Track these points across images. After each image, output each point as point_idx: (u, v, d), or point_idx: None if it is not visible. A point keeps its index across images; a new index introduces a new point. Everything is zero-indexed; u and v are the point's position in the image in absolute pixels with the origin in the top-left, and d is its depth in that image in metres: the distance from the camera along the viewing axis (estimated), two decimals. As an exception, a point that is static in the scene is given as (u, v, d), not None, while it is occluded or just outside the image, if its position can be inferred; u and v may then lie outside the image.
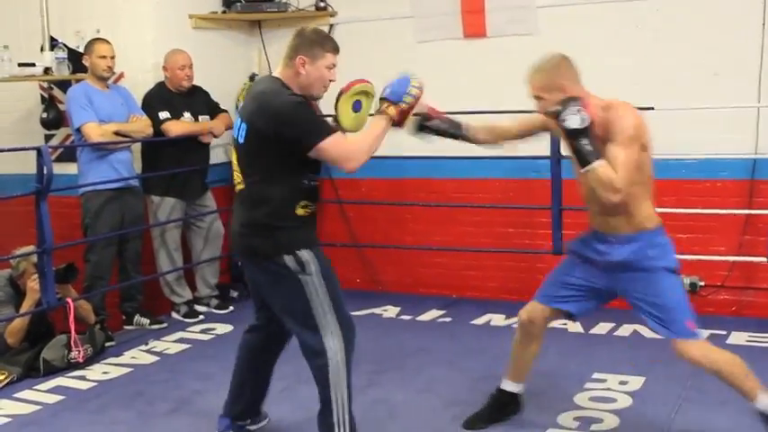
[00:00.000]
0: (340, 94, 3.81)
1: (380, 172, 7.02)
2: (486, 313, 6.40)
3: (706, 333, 3.76)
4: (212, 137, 6.58)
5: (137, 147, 6.43)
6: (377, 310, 6.57)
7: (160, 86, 6.50)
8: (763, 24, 6.00)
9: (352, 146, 3.67)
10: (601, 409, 4.48)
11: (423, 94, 3.82)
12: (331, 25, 7.34)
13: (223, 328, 6.24)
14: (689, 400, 4.55)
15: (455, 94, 6.73)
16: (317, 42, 3.72)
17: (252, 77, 7.43)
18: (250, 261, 3.81)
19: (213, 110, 6.67)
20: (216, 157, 6.93)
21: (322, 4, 7.32)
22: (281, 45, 7.36)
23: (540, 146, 6.00)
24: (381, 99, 3.78)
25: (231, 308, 6.74)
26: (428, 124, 4.14)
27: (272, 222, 3.67)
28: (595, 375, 4.93)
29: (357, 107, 3.84)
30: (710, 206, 6.09)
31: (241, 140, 3.70)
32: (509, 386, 4.28)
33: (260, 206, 3.68)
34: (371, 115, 3.83)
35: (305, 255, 3.69)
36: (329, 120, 3.85)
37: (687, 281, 6.28)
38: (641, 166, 3.67)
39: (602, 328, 5.94)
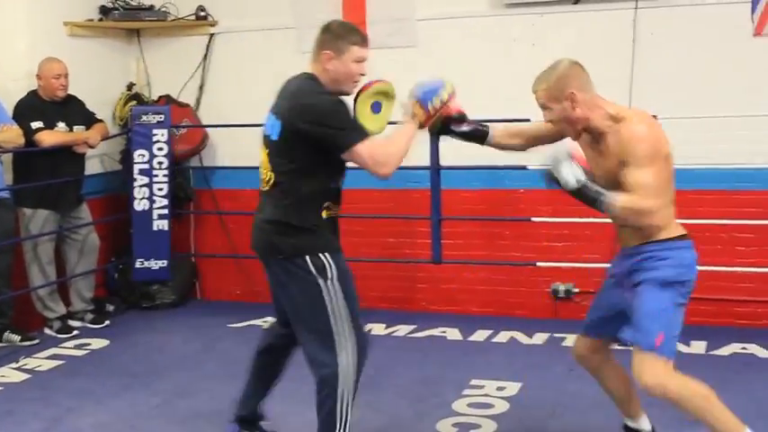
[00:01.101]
0: (358, 94, 3.68)
1: (257, 183, 6.99)
2: (366, 323, 6.40)
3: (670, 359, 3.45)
4: (87, 147, 6.41)
5: (7, 157, 6.22)
6: (257, 322, 6.50)
7: (33, 95, 6.30)
8: (633, 41, 6.21)
9: (385, 150, 3.52)
10: (479, 414, 4.55)
11: (454, 99, 3.71)
12: (211, 35, 7.29)
13: (98, 343, 6.08)
14: (564, 405, 4.66)
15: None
16: (341, 36, 3.60)
17: (129, 87, 7.30)
18: (269, 259, 3.69)
19: (89, 120, 6.51)
20: (91, 167, 6.77)
21: (202, 14, 7.24)
22: (160, 54, 7.46)
23: (419, 156, 6.12)
24: (412, 102, 3.66)
25: (107, 322, 6.57)
26: (455, 128, 3.89)
27: (295, 222, 3.57)
28: (473, 382, 5.01)
29: (376, 108, 3.71)
30: (583, 215, 6.24)
31: (274, 137, 3.59)
32: (630, 423, 3.94)
33: (286, 204, 3.58)
34: (392, 123, 3.77)
35: (325, 258, 3.58)
36: None
37: (562, 288, 6.46)
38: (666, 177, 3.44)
39: (480, 335, 6.04)
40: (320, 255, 3.57)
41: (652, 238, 3.46)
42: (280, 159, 3.60)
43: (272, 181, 3.64)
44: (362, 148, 3.45)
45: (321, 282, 3.56)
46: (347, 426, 3.61)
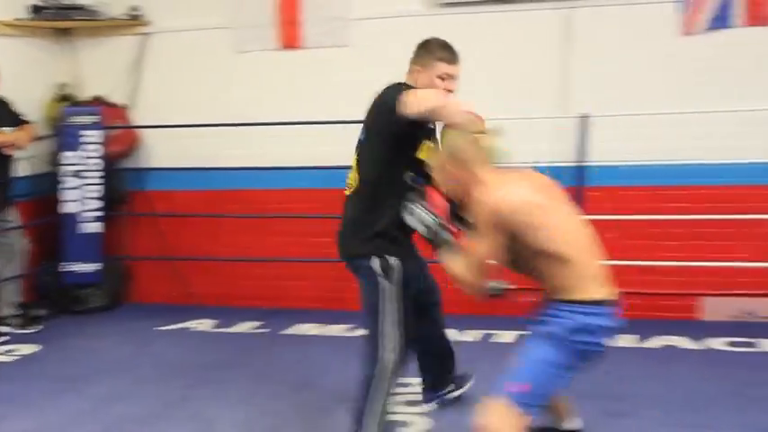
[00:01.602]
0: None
1: (197, 184, 6.96)
2: (301, 323, 6.41)
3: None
4: (15, 149, 6.29)
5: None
6: (191, 324, 6.46)
7: (-41, 96, 6.18)
8: (566, 40, 6.29)
9: (422, 95, 3.56)
10: (412, 412, 4.55)
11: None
12: (145, 35, 7.21)
13: (28, 349, 5.96)
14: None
15: (272, 103, 6.79)
16: (430, 51, 3.79)
17: (61, 87, 7.19)
18: (348, 262, 3.86)
19: (17, 121, 6.37)
20: (21, 169, 6.64)
21: (135, 14, 7.16)
22: (92, 54, 7.36)
23: (350, 155, 6.13)
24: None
25: (38, 327, 6.44)
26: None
27: (371, 223, 3.71)
28: (408, 380, 4.98)
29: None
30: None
31: (362, 141, 3.79)
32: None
33: (365, 206, 3.74)
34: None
35: (392, 261, 3.71)
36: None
37: (497, 284, 6.48)
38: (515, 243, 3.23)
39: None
40: (389, 257, 3.71)
41: (555, 296, 3.25)
42: (363, 161, 3.78)
43: (354, 185, 3.80)
44: (405, 96, 3.51)
45: (382, 283, 3.71)
46: (384, 422, 3.74)
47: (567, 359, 3.22)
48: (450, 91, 3.77)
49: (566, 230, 3.25)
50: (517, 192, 3.24)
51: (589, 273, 3.25)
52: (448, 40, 3.91)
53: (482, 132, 3.49)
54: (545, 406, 3.38)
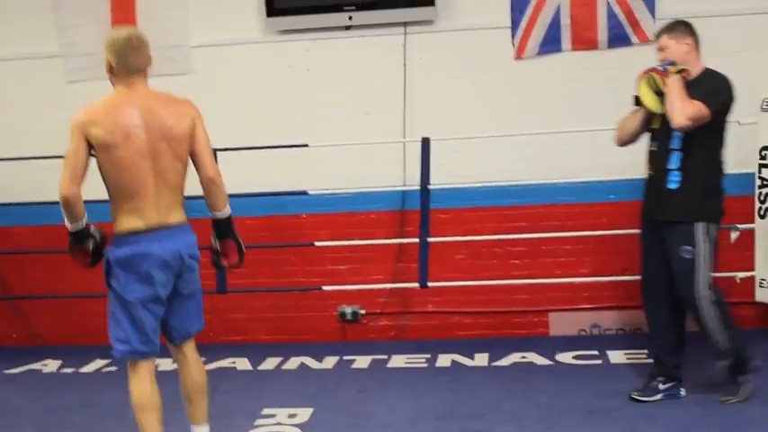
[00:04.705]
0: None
1: (31, 219, 6.66)
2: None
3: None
4: None
5: None
6: (36, 366, 6.17)
7: None
8: (404, 65, 6.40)
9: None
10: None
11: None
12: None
13: None
14: (356, 426, 4.68)
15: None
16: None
17: None
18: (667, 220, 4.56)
19: None
20: None
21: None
22: None
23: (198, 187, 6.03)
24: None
25: None
26: None
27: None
28: (265, 411, 4.94)
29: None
30: (366, 237, 6.36)
31: None
32: None
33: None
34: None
35: (711, 229, 4.50)
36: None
37: (349, 310, 6.53)
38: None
39: (270, 363, 6.00)
40: (709, 224, 4.52)
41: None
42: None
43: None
44: None
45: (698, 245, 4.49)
46: (728, 325, 4.51)
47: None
48: (661, 60, 4.54)
49: None
50: None
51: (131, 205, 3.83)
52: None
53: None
54: None
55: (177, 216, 3.83)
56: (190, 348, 4.06)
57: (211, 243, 4.04)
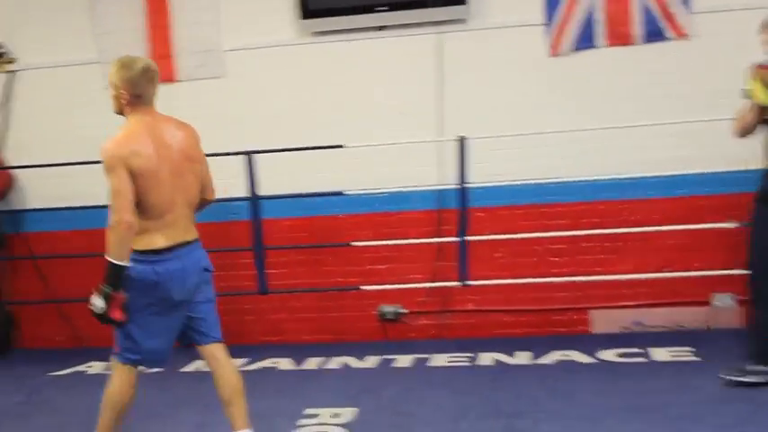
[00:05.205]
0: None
1: (76, 223, 6.73)
2: (195, 359, 6.26)
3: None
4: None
5: None
6: (81, 368, 6.25)
7: None
8: (439, 64, 6.40)
9: None
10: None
11: None
12: (11, 72, 6.98)
13: None
14: (400, 425, 4.70)
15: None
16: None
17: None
18: None
19: None
20: None
21: (0, 51, 6.93)
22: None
23: (237, 187, 6.09)
24: None
25: None
26: None
27: None
28: (308, 411, 4.97)
29: None
30: (404, 237, 6.38)
31: None
32: None
33: None
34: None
35: None
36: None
37: (389, 309, 6.55)
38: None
39: (312, 363, 6.04)
40: None
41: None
42: None
43: None
44: None
45: None
46: None
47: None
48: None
49: None
50: None
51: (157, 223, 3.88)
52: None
53: None
54: None
55: (194, 233, 3.98)
56: (221, 352, 4.13)
57: None
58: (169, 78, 6.76)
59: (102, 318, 3.78)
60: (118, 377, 4.03)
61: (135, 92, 3.83)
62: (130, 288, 3.81)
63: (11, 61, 6.98)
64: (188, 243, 3.92)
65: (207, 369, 4.12)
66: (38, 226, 6.95)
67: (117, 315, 3.78)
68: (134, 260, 3.80)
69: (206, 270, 4.03)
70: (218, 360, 4.10)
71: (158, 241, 3.83)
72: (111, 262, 3.72)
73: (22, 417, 5.32)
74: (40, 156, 6.69)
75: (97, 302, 3.75)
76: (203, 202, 4.06)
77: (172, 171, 3.83)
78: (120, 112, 3.93)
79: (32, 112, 7.00)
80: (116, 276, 3.73)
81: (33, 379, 6.13)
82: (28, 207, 6.98)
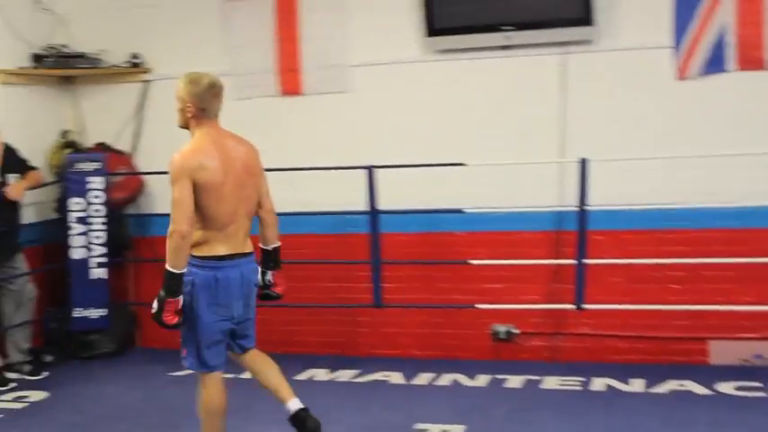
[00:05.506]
0: None
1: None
2: (309, 368, 6.39)
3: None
4: (16, 195, 6.25)
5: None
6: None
7: (-35, 144, 6.21)
8: (562, 85, 6.38)
9: None
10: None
11: None
12: (146, 82, 7.27)
13: (37, 395, 5.96)
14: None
15: (273, 149, 6.79)
16: None
17: (64, 134, 7.25)
18: None
19: (23, 167, 6.39)
20: (28, 216, 6.67)
21: (136, 61, 7.23)
22: (94, 101, 7.41)
23: (356, 201, 6.18)
24: None
25: (46, 373, 6.45)
26: None
27: None
28: (417, 426, 5.01)
29: None
30: (521, 257, 6.36)
31: None
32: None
33: None
34: None
35: None
36: None
37: (502, 329, 6.54)
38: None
39: (422, 378, 6.07)
40: None
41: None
42: None
43: None
44: None
45: None
46: None
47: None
48: None
49: None
50: None
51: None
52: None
53: None
54: None
55: (250, 246, 4.18)
56: (256, 351, 4.46)
57: (260, 277, 4.38)
58: (295, 91, 6.93)
59: (158, 321, 3.99)
60: (204, 386, 4.21)
61: (201, 106, 4.10)
62: (194, 294, 4.01)
63: (145, 71, 7.27)
64: (246, 255, 4.13)
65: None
66: (163, 230, 7.14)
67: (170, 319, 3.98)
68: (197, 266, 4.01)
69: (255, 284, 4.27)
70: (255, 358, 4.43)
71: (220, 249, 4.03)
72: (167, 269, 3.89)
73: (138, 414, 5.54)
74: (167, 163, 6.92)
75: (154, 306, 3.99)
76: (269, 212, 4.30)
77: (235, 184, 4.04)
78: (185, 126, 4.19)
79: (164, 121, 7.26)
80: (172, 283, 3.90)
81: (152, 378, 6.37)
82: (155, 212, 7.23)
